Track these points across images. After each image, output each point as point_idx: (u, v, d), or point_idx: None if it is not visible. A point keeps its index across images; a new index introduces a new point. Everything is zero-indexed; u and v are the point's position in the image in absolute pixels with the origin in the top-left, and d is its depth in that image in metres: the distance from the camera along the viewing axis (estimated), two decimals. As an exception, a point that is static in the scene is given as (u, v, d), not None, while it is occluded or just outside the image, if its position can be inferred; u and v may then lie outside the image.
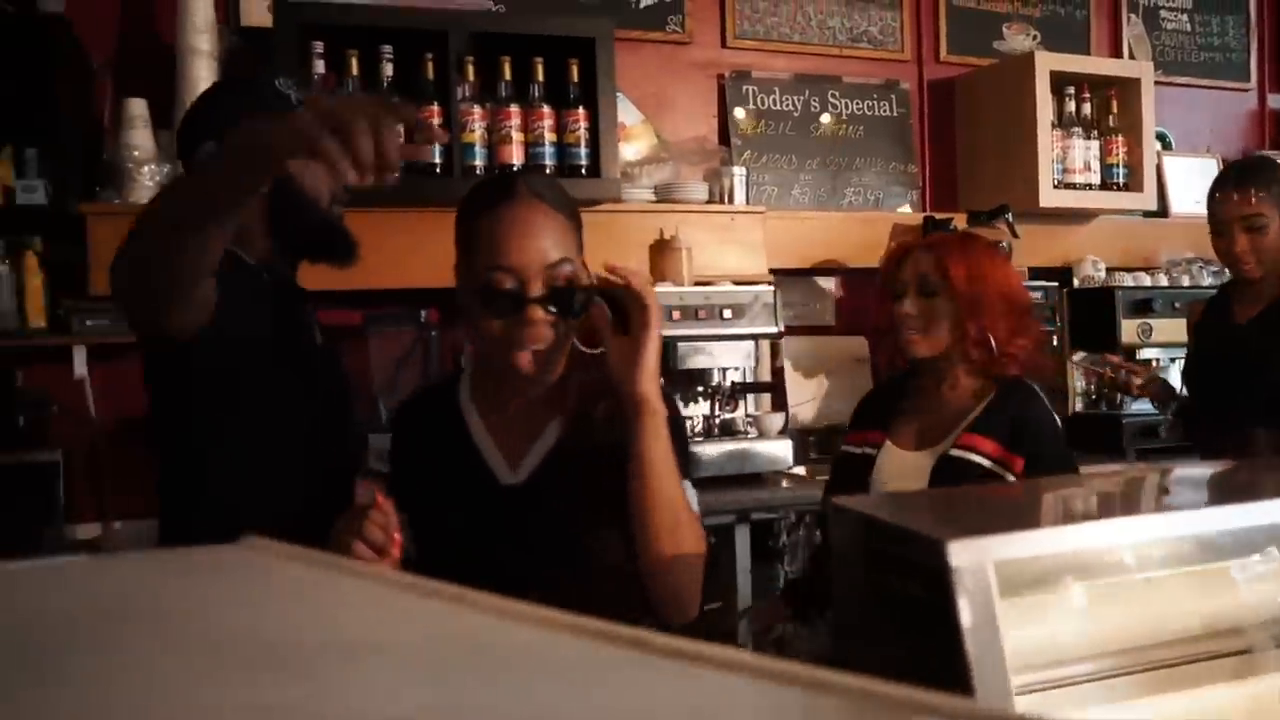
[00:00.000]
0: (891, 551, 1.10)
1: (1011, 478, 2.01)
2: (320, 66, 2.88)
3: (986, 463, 2.03)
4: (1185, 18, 4.53)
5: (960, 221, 3.74)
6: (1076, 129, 3.89)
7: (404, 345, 3.20)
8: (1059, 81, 3.84)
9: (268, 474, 1.83)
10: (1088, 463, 3.50)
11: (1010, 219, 3.63)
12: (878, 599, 1.13)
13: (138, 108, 2.90)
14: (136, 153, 2.87)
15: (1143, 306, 3.75)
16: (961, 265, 2.10)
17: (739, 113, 3.75)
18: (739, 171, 3.47)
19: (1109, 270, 4.06)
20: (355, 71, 2.91)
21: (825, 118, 3.89)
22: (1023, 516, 1.20)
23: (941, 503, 1.30)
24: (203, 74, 2.88)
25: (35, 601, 0.55)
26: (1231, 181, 2.79)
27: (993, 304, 2.09)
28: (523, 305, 1.54)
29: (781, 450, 3.28)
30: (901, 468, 2.14)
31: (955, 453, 2.05)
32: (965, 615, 0.99)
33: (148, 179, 2.87)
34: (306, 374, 1.92)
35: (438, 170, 2.97)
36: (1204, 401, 2.99)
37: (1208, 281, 4.06)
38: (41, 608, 0.53)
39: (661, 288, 3.16)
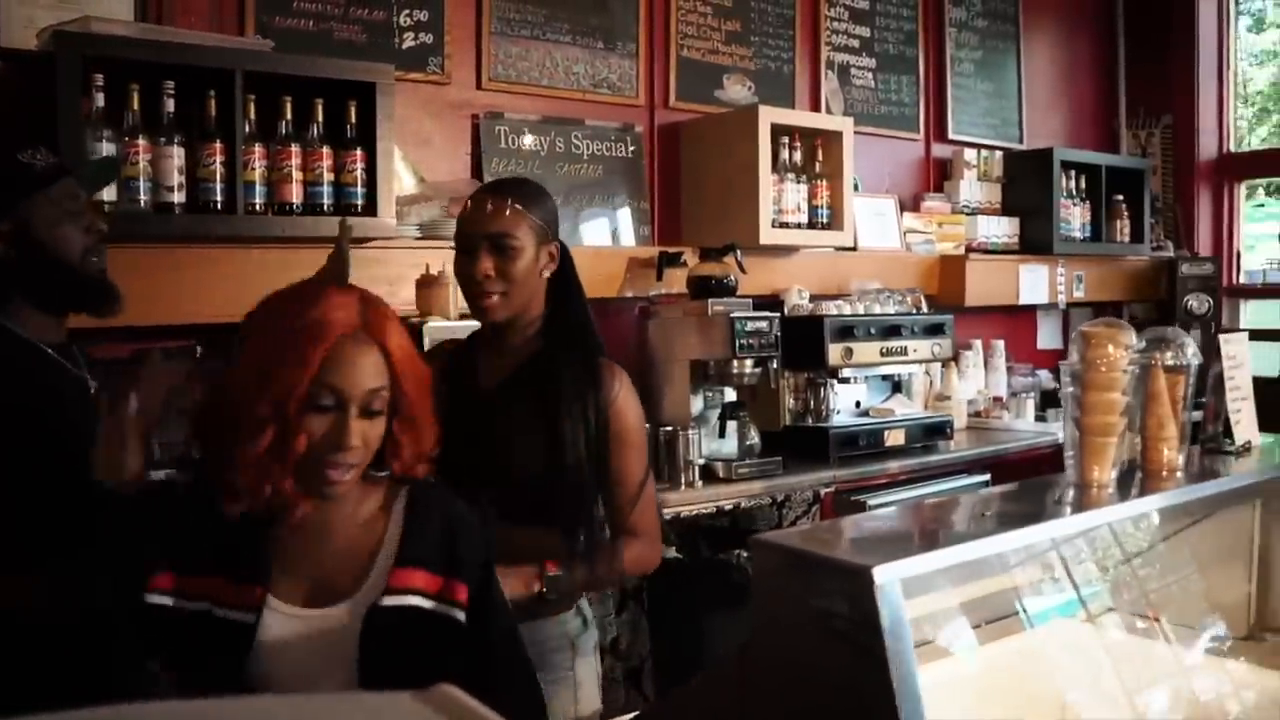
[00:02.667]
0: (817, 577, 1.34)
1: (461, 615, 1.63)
2: (100, 100, 2.82)
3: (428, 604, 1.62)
4: (870, 75, 5.11)
5: (692, 257, 4.08)
6: (790, 174, 4.33)
7: (175, 380, 3.17)
8: (776, 132, 4.26)
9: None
10: (799, 471, 3.95)
11: (739, 255, 4.00)
12: (802, 618, 1.36)
13: (-111, 135, 2.74)
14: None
15: (845, 332, 4.22)
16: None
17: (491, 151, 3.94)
18: (498, 209, 3.65)
19: (811, 298, 4.52)
20: (136, 106, 2.88)
21: (568, 157, 4.13)
22: (917, 541, 1.48)
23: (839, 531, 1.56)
24: (-34, 102, 2.76)
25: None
26: (488, 192, 2.22)
27: None
28: None
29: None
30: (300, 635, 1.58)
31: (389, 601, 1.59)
32: (885, 620, 1.24)
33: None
34: (72, 420, 2.07)
35: (219, 208, 2.98)
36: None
37: (892, 309, 4.61)
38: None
39: (431, 321, 3.30)
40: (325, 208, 3.14)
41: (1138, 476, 1.77)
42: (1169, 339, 1.77)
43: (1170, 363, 1.76)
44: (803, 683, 1.34)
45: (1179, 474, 1.79)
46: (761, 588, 1.41)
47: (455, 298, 3.35)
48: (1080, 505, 1.63)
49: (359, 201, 3.19)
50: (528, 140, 4.02)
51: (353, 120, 3.18)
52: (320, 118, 3.14)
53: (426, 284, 3.39)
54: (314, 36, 3.52)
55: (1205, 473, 1.85)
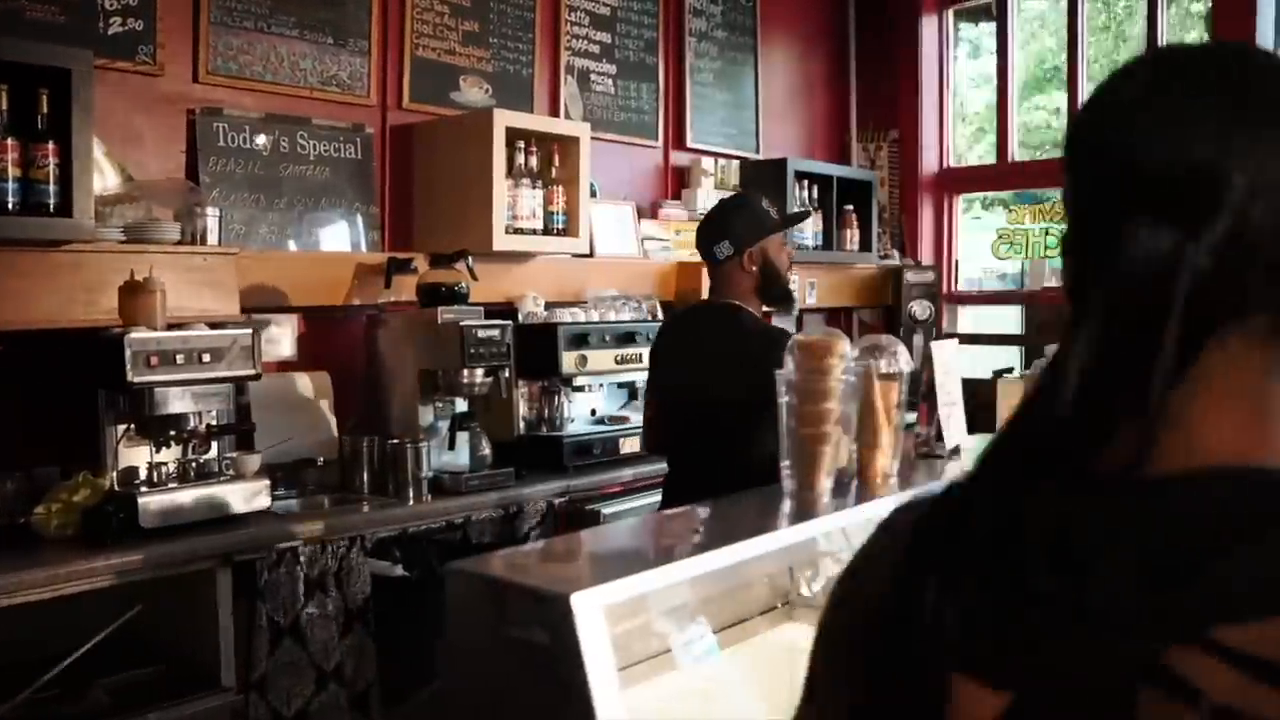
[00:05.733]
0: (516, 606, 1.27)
1: None
2: None
3: None
4: (610, 82, 5.10)
5: (422, 263, 3.97)
6: (525, 180, 4.27)
7: None
8: (512, 136, 4.19)
9: None
10: (533, 482, 3.90)
11: (470, 262, 3.91)
12: (501, 650, 1.29)
13: None
14: None
15: (580, 340, 4.20)
16: None
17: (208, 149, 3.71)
18: (213, 212, 3.45)
19: (547, 305, 4.47)
20: None
21: (294, 158, 3.94)
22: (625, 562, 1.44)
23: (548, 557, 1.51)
24: None
25: None
26: None
27: None
28: None
29: (259, 490, 3.33)
30: None
31: None
32: (585, 649, 1.19)
33: None
34: None
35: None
36: None
37: (627, 316, 4.61)
38: None
39: (136, 332, 3.07)
40: (10, 206, 2.87)
41: (854, 484, 1.80)
42: (883, 346, 1.80)
43: (885, 370, 1.79)
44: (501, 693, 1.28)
45: (893, 480, 1.82)
46: (458, 620, 1.35)
47: (164, 306, 3.14)
48: (800, 515, 1.64)
49: (51, 200, 2.93)
50: (249, 139, 3.81)
51: (44, 110, 2.91)
52: (5, 106, 2.87)
53: (132, 291, 3.15)
54: None
55: (918, 478, 1.90)
